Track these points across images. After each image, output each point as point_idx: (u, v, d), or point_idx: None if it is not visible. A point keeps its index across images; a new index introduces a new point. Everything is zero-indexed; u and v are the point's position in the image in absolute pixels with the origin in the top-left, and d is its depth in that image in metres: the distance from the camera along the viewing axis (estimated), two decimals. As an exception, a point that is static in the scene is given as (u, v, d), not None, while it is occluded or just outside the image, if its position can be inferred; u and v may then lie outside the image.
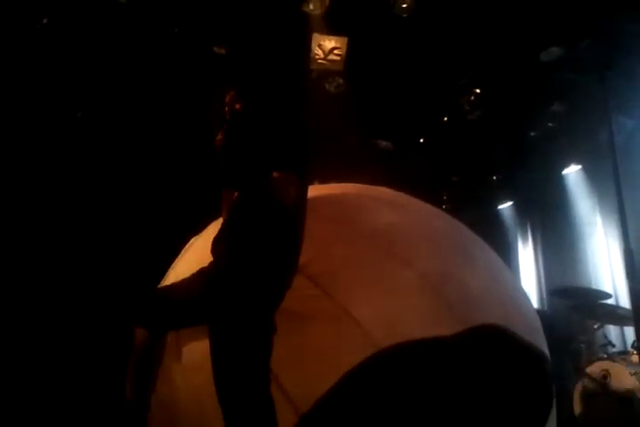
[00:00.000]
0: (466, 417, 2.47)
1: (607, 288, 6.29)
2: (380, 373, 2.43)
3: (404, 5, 5.34)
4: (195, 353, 2.62)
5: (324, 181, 3.71)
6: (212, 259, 2.56)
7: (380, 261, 2.76)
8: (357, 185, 3.51)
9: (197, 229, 3.26)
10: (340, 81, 6.11)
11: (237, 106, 2.65)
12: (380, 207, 3.12)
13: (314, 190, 2.90)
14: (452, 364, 2.52)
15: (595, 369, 4.42)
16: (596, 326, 5.10)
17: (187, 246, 3.30)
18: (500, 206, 8.56)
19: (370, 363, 2.41)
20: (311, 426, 2.36)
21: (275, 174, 2.49)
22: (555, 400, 2.92)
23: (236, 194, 2.59)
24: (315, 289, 2.60)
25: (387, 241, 2.86)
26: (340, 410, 2.38)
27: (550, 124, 6.91)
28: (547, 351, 2.99)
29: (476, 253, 3.17)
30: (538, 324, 3.12)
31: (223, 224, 2.64)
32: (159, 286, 2.97)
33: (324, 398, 2.36)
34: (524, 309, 3.17)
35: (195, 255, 3.03)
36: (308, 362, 2.47)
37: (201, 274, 2.58)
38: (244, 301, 2.34)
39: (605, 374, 4.29)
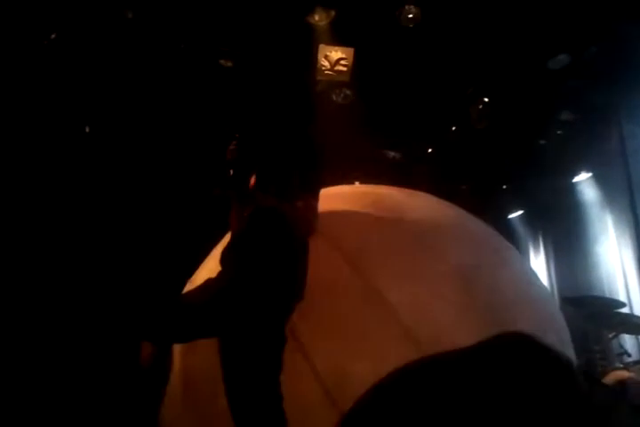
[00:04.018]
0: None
1: (621, 297, 6.22)
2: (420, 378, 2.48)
3: (410, 15, 5.34)
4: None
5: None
6: None
7: (415, 251, 2.86)
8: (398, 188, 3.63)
9: (218, 238, 3.26)
10: (347, 92, 6.11)
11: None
12: (422, 206, 3.30)
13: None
14: (480, 373, 2.53)
15: (610, 379, 4.35)
16: (610, 336, 5.03)
17: (209, 256, 3.32)
18: (511, 215, 8.50)
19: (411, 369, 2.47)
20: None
21: (299, 204, 2.49)
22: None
23: (248, 209, 2.58)
24: (346, 265, 2.73)
25: (423, 235, 2.96)
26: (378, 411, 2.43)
27: (560, 132, 6.88)
28: (575, 362, 2.96)
29: (509, 259, 3.26)
30: (568, 338, 3.10)
31: (234, 235, 2.62)
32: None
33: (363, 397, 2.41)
34: (556, 318, 3.16)
35: (216, 264, 3.05)
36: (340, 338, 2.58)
37: (208, 285, 2.55)
38: (252, 313, 2.32)
39: (622, 384, 4.22)
